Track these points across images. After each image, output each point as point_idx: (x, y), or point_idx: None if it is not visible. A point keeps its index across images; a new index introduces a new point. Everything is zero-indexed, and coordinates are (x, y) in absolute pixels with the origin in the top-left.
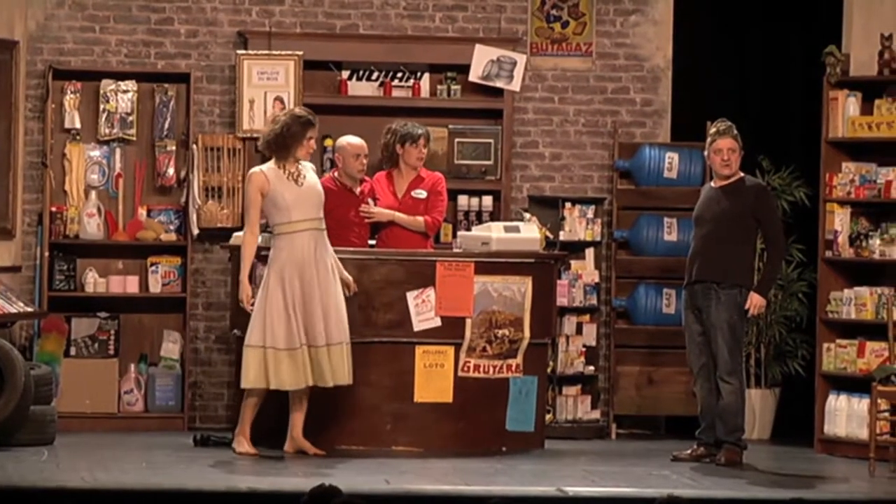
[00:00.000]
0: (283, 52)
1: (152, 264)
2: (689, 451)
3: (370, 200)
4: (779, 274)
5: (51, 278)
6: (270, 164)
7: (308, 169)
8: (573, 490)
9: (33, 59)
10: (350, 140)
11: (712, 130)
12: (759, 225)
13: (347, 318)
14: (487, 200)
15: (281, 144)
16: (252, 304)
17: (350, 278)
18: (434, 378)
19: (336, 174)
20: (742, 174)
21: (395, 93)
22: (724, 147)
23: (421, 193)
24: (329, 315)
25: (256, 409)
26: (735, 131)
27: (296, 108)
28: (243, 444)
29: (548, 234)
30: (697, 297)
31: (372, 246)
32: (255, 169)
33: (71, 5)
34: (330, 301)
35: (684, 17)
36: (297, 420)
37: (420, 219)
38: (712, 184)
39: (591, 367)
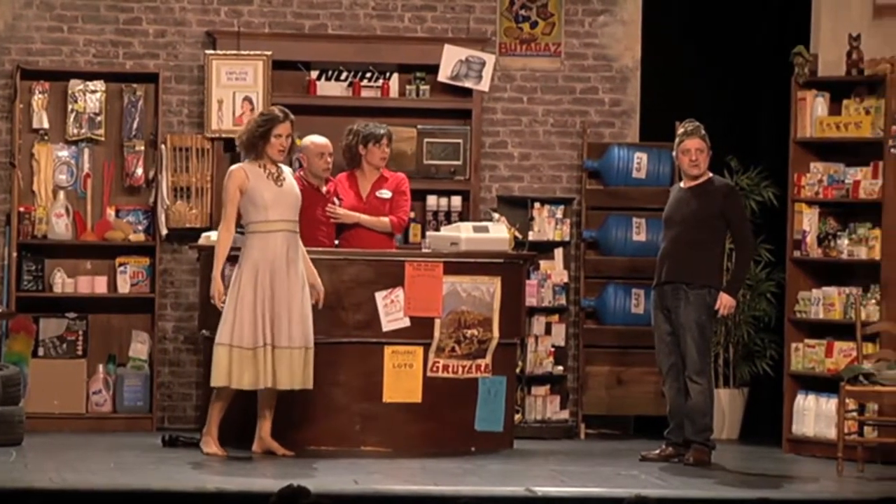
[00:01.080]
0: (252, 53)
1: (121, 265)
2: (657, 451)
3: (335, 200)
4: (748, 274)
5: (19, 278)
6: (251, 162)
7: (287, 172)
8: (542, 490)
9: (1, 59)
10: (313, 139)
11: (680, 131)
12: (729, 225)
13: (316, 317)
14: (456, 200)
15: (250, 144)
16: (223, 302)
17: (321, 288)
18: (403, 378)
19: (303, 173)
20: (710, 174)
21: (364, 93)
22: (692, 147)
23: (385, 193)
24: (293, 318)
25: (224, 410)
26: (703, 131)
27: (271, 107)
28: (211, 445)
29: (517, 234)
30: (667, 298)
31: (337, 246)
32: (236, 166)
33: (39, 5)
34: (295, 304)
35: (653, 18)
36: (266, 420)
37: (385, 219)
38: (681, 184)
39: (560, 368)
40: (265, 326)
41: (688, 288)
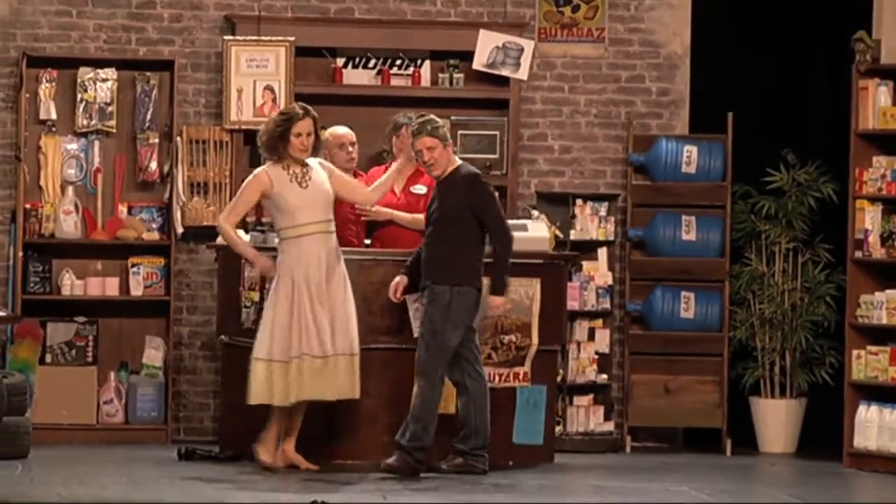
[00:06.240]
0: (274, 38)
1: (133, 265)
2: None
3: None
4: (509, 265)
5: (25, 280)
6: (274, 164)
7: (316, 168)
8: None
9: (6, 45)
10: (333, 130)
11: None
12: (478, 219)
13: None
14: None
15: (270, 146)
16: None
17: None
18: None
19: None
20: (458, 163)
21: (394, 81)
22: (421, 148)
23: (420, 189)
24: (335, 325)
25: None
26: (431, 126)
27: (292, 104)
28: (264, 454)
29: (557, 233)
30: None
31: (368, 246)
32: (260, 169)
33: None
34: (338, 310)
35: (703, 1)
36: (291, 434)
37: (420, 217)
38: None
39: (604, 376)
40: (301, 336)
41: (432, 285)
